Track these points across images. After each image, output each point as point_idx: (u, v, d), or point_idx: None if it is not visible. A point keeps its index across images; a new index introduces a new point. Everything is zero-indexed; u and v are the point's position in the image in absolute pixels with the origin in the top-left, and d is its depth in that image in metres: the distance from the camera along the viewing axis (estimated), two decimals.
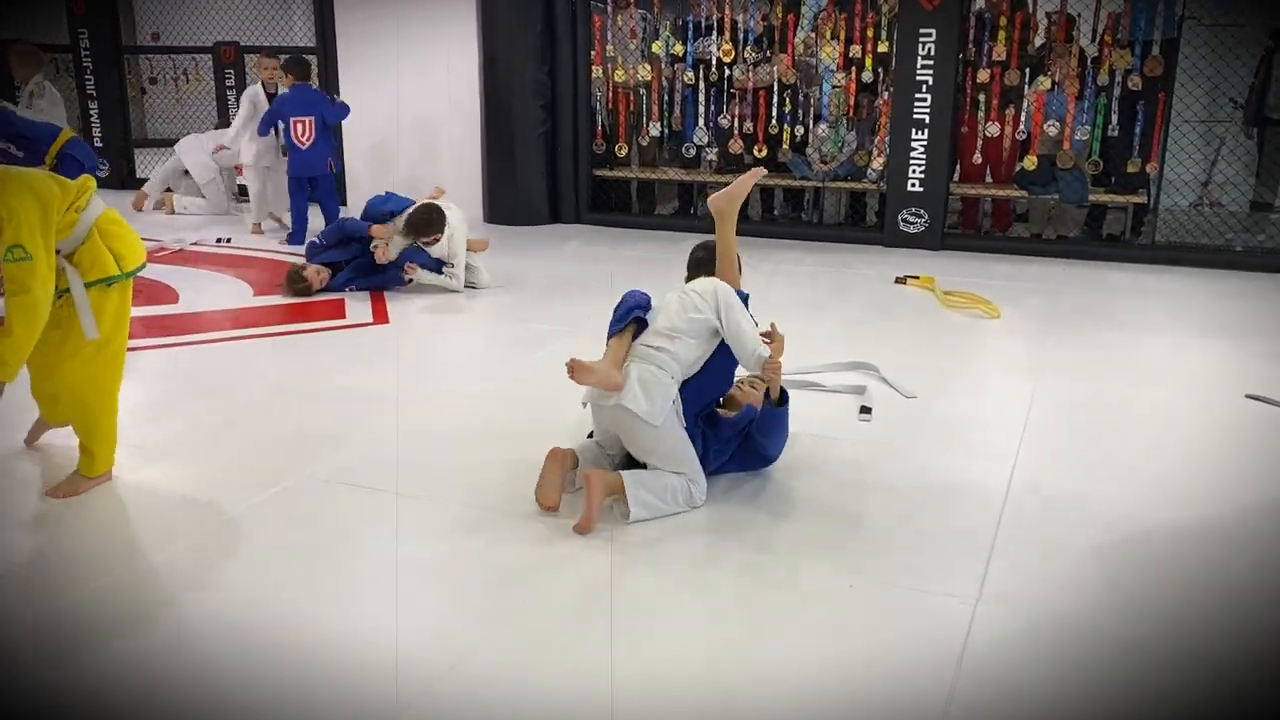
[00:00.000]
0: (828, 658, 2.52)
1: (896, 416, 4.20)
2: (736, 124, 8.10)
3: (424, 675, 2.40)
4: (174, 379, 4.65)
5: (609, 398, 3.23)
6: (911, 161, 7.49)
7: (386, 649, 2.49)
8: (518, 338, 5.33)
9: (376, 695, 2.33)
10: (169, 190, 9.15)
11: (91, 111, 10.15)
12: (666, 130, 8.36)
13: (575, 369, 3.20)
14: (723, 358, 3.38)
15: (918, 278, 6.50)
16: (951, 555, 3.01)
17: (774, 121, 7.98)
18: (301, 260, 6.25)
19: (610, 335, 3.38)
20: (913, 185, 7.52)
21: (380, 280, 6.15)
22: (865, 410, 4.21)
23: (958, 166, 7.80)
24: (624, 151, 8.40)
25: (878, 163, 7.74)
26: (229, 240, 7.66)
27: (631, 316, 3.39)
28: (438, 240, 6.06)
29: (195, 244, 7.55)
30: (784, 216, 8.62)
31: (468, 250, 6.29)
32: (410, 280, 6.06)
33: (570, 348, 3.60)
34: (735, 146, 8.14)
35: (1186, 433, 4.04)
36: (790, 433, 3.54)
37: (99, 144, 10.14)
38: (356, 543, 3.08)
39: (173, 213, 8.92)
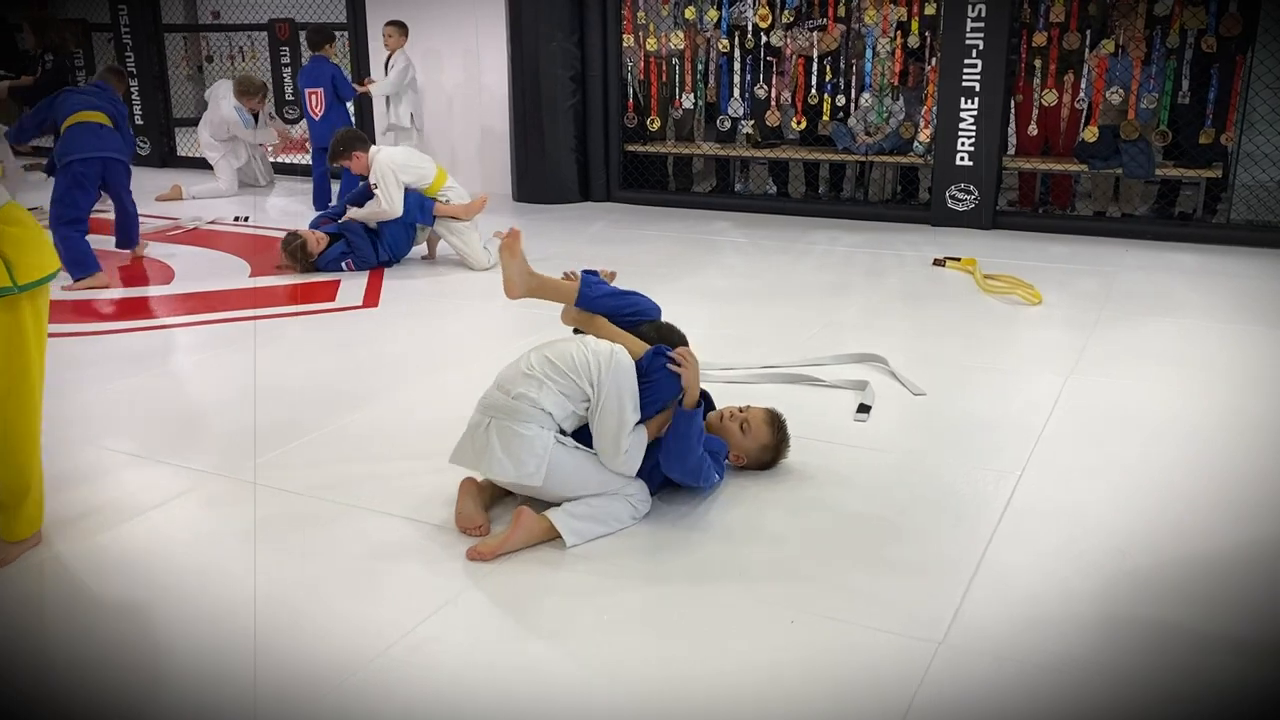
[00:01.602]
0: (748, 714, 2.13)
1: (899, 416, 3.75)
2: (774, 94, 7.62)
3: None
4: (140, 362, 4.42)
5: (474, 464, 2.85)
6: (960, 133, 6.92)
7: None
8: (512, 325, 4.96)
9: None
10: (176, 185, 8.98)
11: (132, 89, 10.07)
12: (700, 102, 7.91)
13: (510, 243, 3.01)
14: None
15: (958, 259, 5.97)
16: (923, 587, 2.59)
17: (813, 91, 7.48)
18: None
19: (590, 293, 3.06)
20: (961, 159, 6.96)
21: (372, 257, 5.89)
22: (863, 409, 3.77)
23: (1012, 139, 7.19)
24: (656, 125, 7.98)
25: (924, 135, 7.18)
26: (246, 219, 7.47)
27: (629, 311, 3.09)
28: (358, 160, 5.91)
29: (211, 223, 7.38)
30: (826, 195, 8.10)
31: (455, 221, 5.99)
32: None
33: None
34: (773, 118, 7.67)
35: (1232, 448, 3.47)
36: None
37: (139, 122, 10.07)
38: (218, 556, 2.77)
39: (180, 198, 8.70)
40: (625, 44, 7.86)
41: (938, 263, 6.02)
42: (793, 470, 3.26)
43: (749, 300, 5.36)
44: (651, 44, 7.78)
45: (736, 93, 7.72)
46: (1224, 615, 2.48)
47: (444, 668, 2.28)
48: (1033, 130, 7.07)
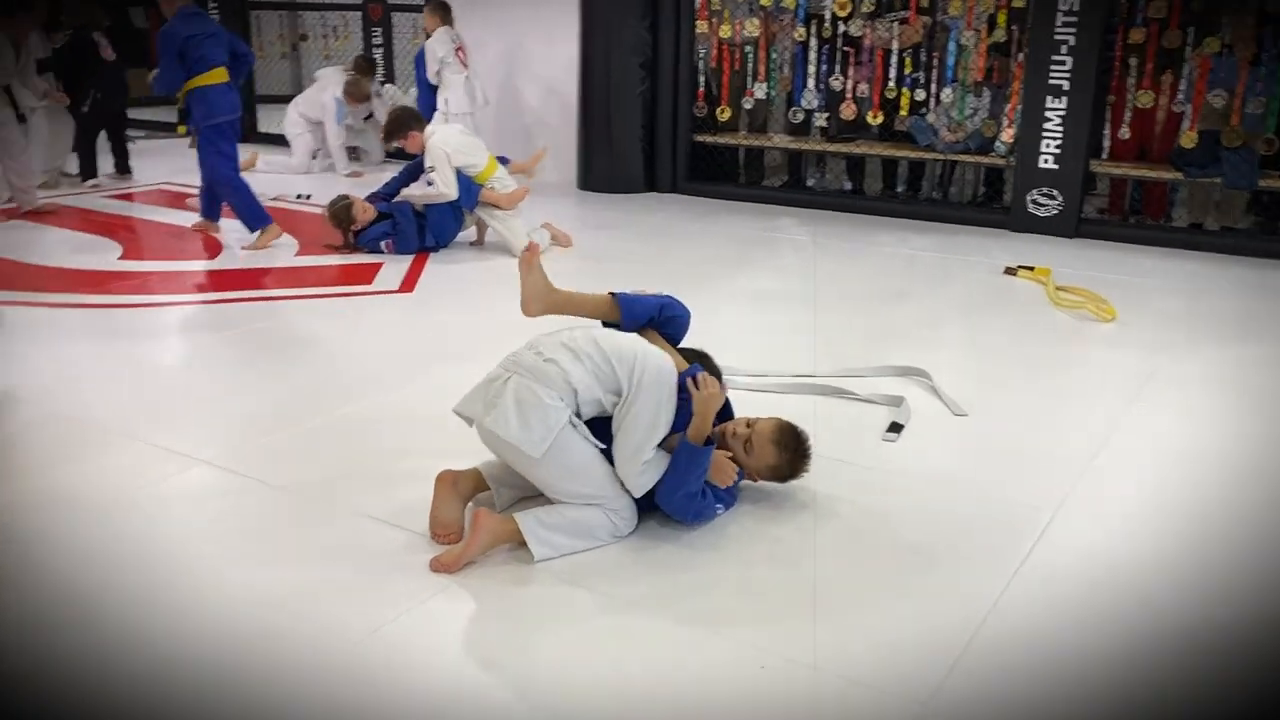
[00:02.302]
0: None
1: (934, 438, 3.45)
2: (850, 86, 7.27)
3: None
4: (157, 338, 4.37)
5: (480, 414, 2.63)
6: (1045, 134, 6.49)
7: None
8: (543, 322, 4.77)
9: None
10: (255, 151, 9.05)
11: None
12: (772, 93, 7.60)
13: (528, 258, 2.83)
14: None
15: (1031, 269, 5.58)
16: (920, 636, 2.31)
17: (891, 85, 7.11)
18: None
19: (631, 311, 2.86)
20: (1045, 161, 6.53)
21: (414, 242, 5.77)
22: (893, 428, 3.48)
23: (1104, 142, 6.72)
24: (726, 115, 7.70)
25: (1007, 135, 6.77)
26: (309, 197, 7.43)
27: (654, 315, 2.86)
28: (414, 140, 5.79)
29: (275, 199, 7.37)
30: (904, 194, 7.71)
31: (495, 208, 5.84)
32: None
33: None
34: (848, 111, 7.32)
35: None
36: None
37: None
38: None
39: (253, 167, 8.75)
40: (698, 30, 7.59)
41: (1009, 271, 5.64)
42: (804, 491, 3.00)
43: (797, 303, 5.08)
44: (725, 30, 7.51)
45: (811, 84, 7.39)
46: (1247, 696, 2.16)
47: (378, 682, 2.11)
48: (1125, 133, 6.59)
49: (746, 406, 3.43)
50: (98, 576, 2.52)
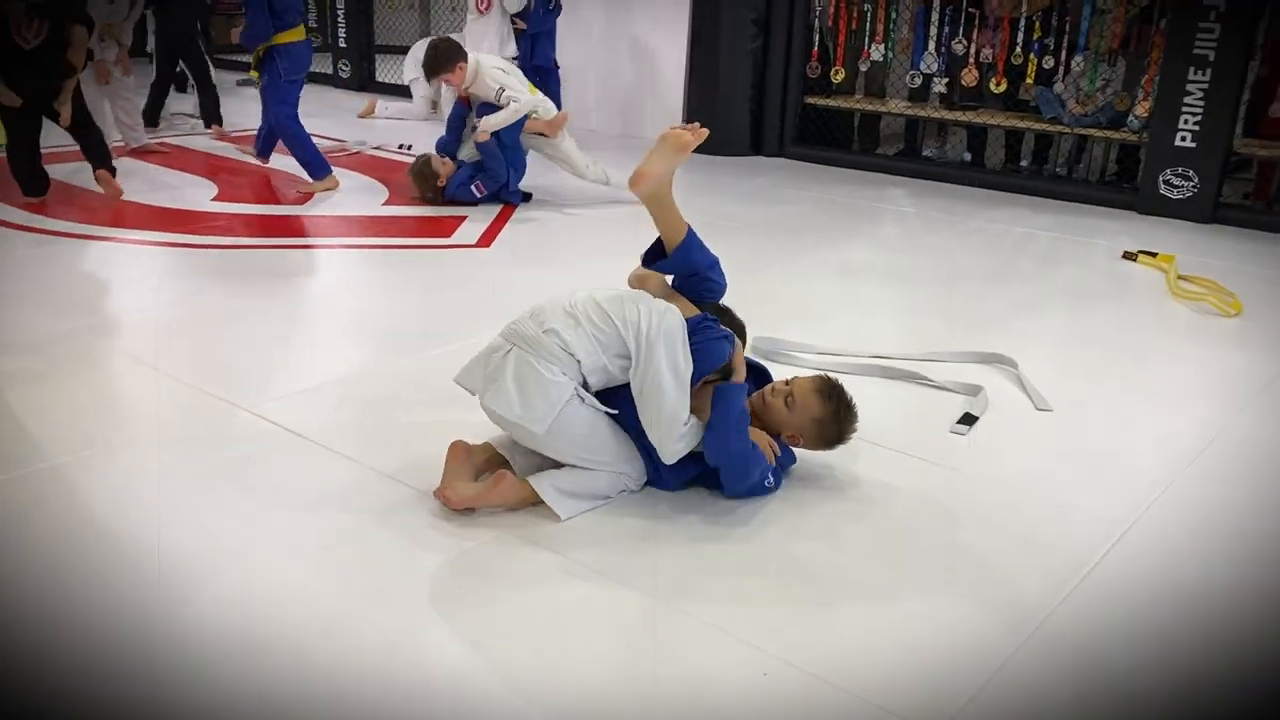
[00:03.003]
0: None
1: (1009, 434, 3.16)
2: (973, 51, 6.82)
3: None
4: (222, 280, 4.38)
5: (481, 388, 2.53)
6: (1184, 109, 5.95)
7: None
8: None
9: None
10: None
11: (338, 13, 10.28)
12: (890, 55, 7.20)
13: (690, 135, 2.55)
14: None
15: (1153, 255, 5.13)
16: (950, 654, 2.08)
17: (1018, 50, 6.64)
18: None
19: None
20: (1182, 139, 6.00)
21: (504, 172, 5.65)
22: (966, 420, 3.20)
23: (1251, 119, 6.14)
24: (840, 77, 7.33)
25: (1142, 109, 6.24)
26: (410, 147, 7.41)
27: (701, 269, 2.70)
28: (459, 73, 5.46)
29: (376, 148, 7.38)
30: (1028, 168, 7.23)
31: (538, 135, 5.73)
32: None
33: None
34: (969, 77, 6.88)
35: None
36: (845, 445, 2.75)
37: (342, 45, 10.28)
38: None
39: (372, 114, 8.80)
40: None
41: (1128, 256, 5.20)
42: (854, 482, 2.77)
43: (887, 279, 4.78)
44: None
45: (931, 46, 6.97)
46: None
47: (354, 651, 2.00)
48: (1277, 111, 6.00)
49: None
50: (82, 521, 2.48)
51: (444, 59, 5.45)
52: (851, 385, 3.37)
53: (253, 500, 2.58)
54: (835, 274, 4.80)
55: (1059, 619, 2.21)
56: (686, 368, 2.45)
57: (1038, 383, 3.50)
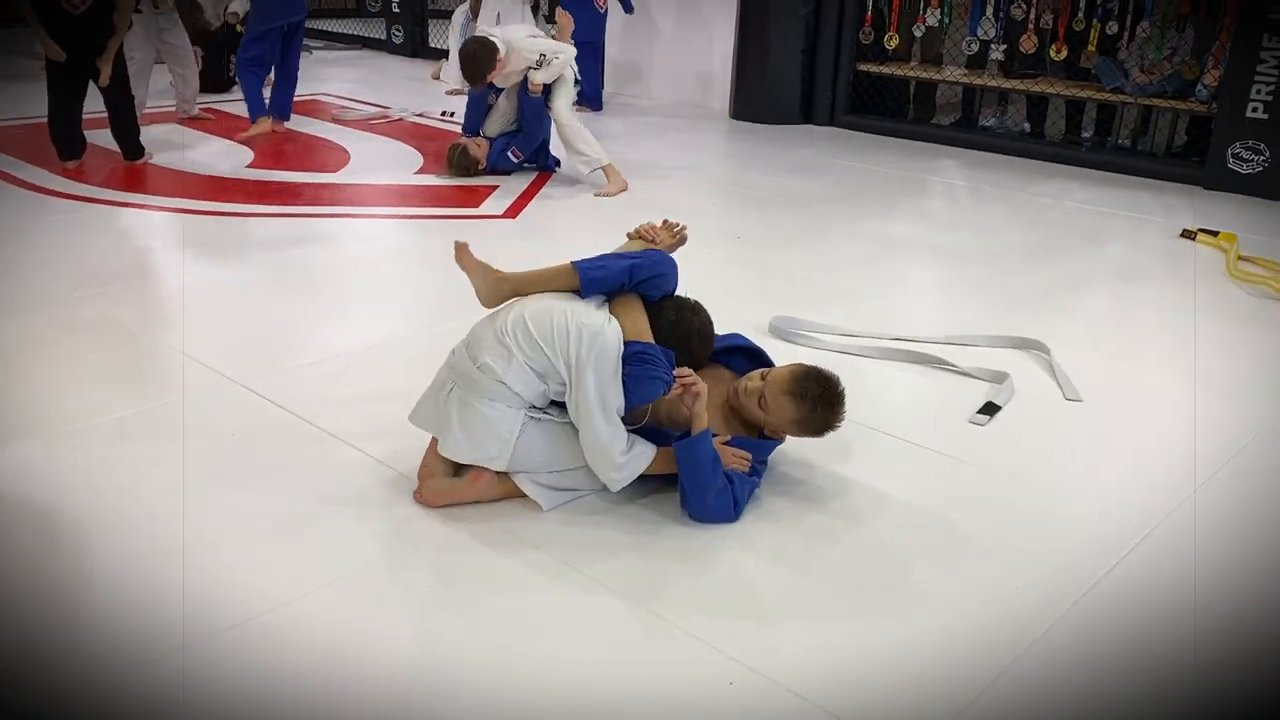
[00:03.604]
0: None
1: (1032, 426, 2.98)
2: (1033, 16, 6.52)
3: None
4: (241, 248, 4.35)
5: (436, 432, 2.42)
6: (1258, 78, 5.61)
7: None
8: None
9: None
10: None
11: None
12: (946, 20, 6.91)
13: (460, 251, 2.52)
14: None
15: (1214, 233, 4.85)
16: (929, 674, 1.95)
17: (1080, 16, 6.32)
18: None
19: (592, 276, 2.43)
20: (1254, 110, 5.66)
21: (539, 132, 5.55)
22: (987, 410, 3.03)
23: None
24: (894, 43, 7.07)
25: (1211, 78, 5.90)
26: (452, 114, 7.33)
27: (623, 284, 2.43)
28: (500, 66, 5.16)
29: (419, 115, 7.32)
30: (1090, 139, 6.91)
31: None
32: (537, 94, 5.38)
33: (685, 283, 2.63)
34: (1028, 44, 6.57)
35: None
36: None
37: (395, 10, 10.23)
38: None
39: (438, 79, 8.79)
40: None
41: (1186, 234, 4.92)
42: (853, 478, 2.63)
43: (928, 255, 4.59)
44: None
45: (989, 11, 6.67)
46: None
47: (320, 638, 1.94)
48: None
49: (827, 368, 3.11)
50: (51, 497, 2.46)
51: (483, 63, 5.13)
52: (869, 370, 3.28)
53: (223, 482, 2.53)
54: (873, 249, 4.62)
55: (1057, 635, 2.06)
56: (616, 400, 2.30)
57: (1072, 369, 3.31)
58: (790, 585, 2.20)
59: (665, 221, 2.68)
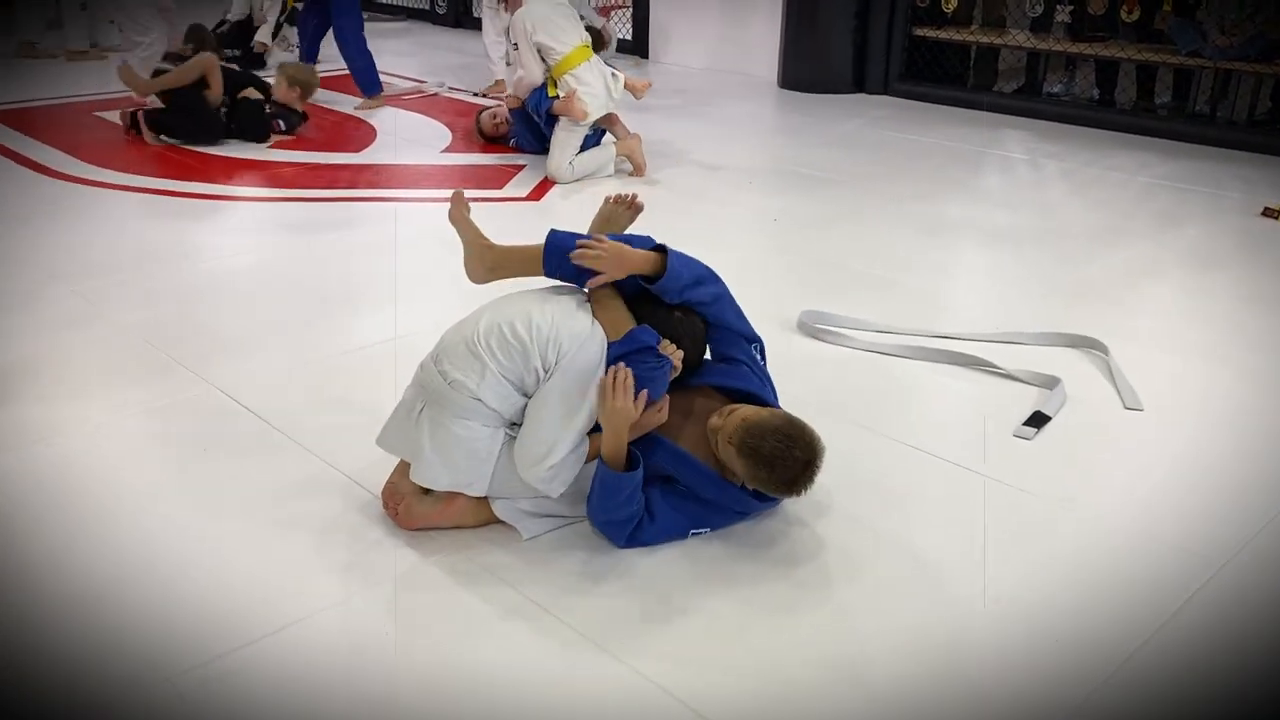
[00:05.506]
0: None
1: (1086, 440, 2.67)
2: None
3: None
4: (256, 234, 4.17)
5: (408, 458, 2.20)
6: None
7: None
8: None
9: None
10: None
11: None
12: None
13: (456, 202, 2.45)
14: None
15: None
16: None
17: None
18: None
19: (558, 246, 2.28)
20: None
21: (530, 142, 5.26)
22: (1034, 421, 2.72)
23: None
24: (952, 5, 6.64)
25: None
26: (485, 94, 7.07)
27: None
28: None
29: (453, 89, 7.09)
30: (1165, 106, 6.43)
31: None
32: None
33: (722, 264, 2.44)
34: (1097, 5, 6.12)
35: None
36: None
37: None
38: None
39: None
40: None
41: (1268, 213, 4.50)
42: (869, 505, 2.34)
43: (981, 238, 4.25)
44: None
45: None
46: None
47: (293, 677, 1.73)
48: None
49: (856, 370, 2.83)
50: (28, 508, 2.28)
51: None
52: (900, 372, 2.99)
53: (196, 487, 2.34)
54: (922, 233, 4.28)
55: (1118, 685, 1.77)
56: (582, 416, 2.06)
57: (1133, 371, 2.98)
58: (788, 629, 1.94)
59: (618, 197, 2.57)
